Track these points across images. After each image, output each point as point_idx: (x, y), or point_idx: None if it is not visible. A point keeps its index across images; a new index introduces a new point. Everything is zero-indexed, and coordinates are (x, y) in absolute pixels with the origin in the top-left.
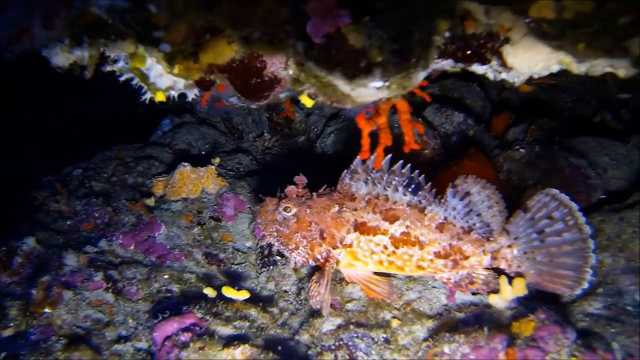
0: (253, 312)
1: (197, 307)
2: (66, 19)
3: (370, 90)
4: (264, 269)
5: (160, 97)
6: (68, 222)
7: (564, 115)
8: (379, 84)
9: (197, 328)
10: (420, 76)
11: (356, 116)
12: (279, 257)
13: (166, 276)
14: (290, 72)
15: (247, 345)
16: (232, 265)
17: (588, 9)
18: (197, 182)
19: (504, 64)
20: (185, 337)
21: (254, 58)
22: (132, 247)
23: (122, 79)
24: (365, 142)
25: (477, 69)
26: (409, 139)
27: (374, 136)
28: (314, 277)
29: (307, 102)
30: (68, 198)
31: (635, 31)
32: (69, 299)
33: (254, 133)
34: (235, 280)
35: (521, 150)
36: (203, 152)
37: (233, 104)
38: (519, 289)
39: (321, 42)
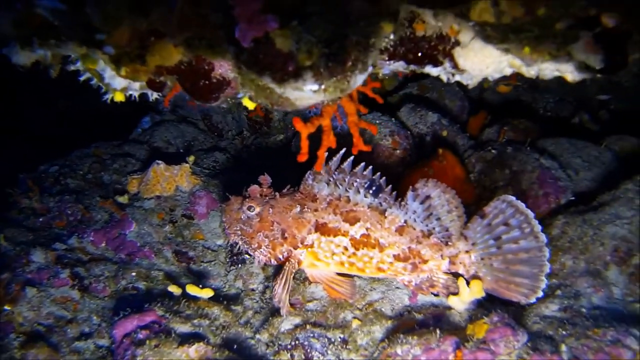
0: (216, 310)
1: (159, 304)
2: (11, 21)
3: (307, 94)
4: (232, 267)
5: (118, 97)
6: (40, 219)
7: (545, 116)
8: (314, 87)
9: (156, 326)
10: (359, 79)
11: (292, 119)
12: (247, 256)
13: (134, 273)
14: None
15: (201, 344)
16: (202, 263)
17: (520, 14)
18: (170, 180)
19: (456, 66)
20: (142, 334)
21: (201, 60)
22: (103, 244)
23: (82, 78)
24: (304, 144)
25: (431, 70)
26: (356, 140)
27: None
28: (277, 276)
29: (249, 104)
30: (41, 195)
31: (573, 37)
32: (33, 295)
33: (233, 131)
34: (204, 278)
35: (492, 151)
36: (181, 150)
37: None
38: (476, 291)
39: (249, 47)
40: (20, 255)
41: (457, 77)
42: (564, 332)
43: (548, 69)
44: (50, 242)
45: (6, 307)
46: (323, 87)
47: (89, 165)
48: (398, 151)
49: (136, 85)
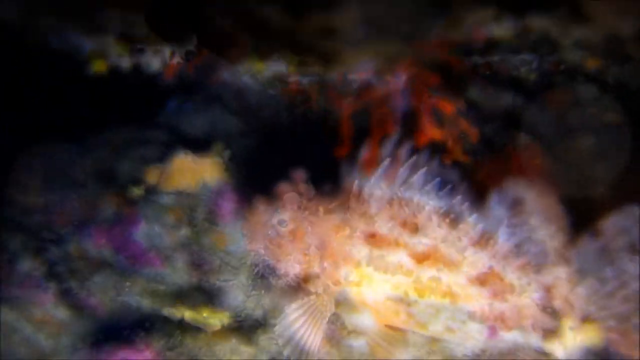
0: (218, 349)
1: (153, 335)
2: None
3: None
4: (254, 292)
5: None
6: (37, 216)
7: None
8: None
9: None
10: None
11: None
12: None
13: (128, 283)
14: None
15: None
16: (217, 281)
17: None
18: (196, 173)
19: None
20: None
21: None
22: (102, 243)
23: None
24: (345, 128)
25: None
26: (425, 122)
27: None
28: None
29: None
30: (44, 186)
31: None
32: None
33: (269, 112)
34: (216, 299)
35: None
36: (210, 138)
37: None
38: (589, 335)
39: None
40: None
41: None
42: None
43: None
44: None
45: None
46: None
47: (104, 152)
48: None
49: None
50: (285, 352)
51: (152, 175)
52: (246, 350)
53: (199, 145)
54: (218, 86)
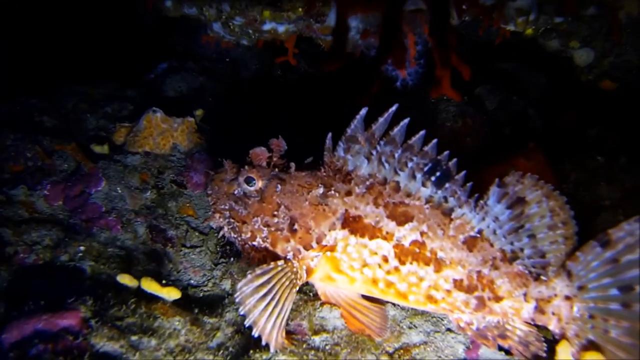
0: (177, 322)
1: (90, 301)
2: None
3: None
4: (222, 260)
5: None
6: None
7: None
8: None
9: (69, 337)
10: None
11: None
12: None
13: (82, 247)
14: None
15: None
16: (183, 248)
17: None
18: (167, 134)
19: None
20: (39, 348)
21: None
22: (58, 203)
23: None
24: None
25: None
26: (441, 75)
27: None
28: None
29: None
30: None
31: None
32: None
33: (254, 75)
34: (180, 269)
35: (598, 158)
36: (191, 103)
37: (220, 35)
38: None
39: None
40: None
41: None
42: None
43: None
44: None
45: None
46: None
47: (74, 103)
48: (469, 139)
49: None
50: (247, 322)
51: (120, 134)
52: (210, 321)
53: (174, 106)
54: (203, 48)
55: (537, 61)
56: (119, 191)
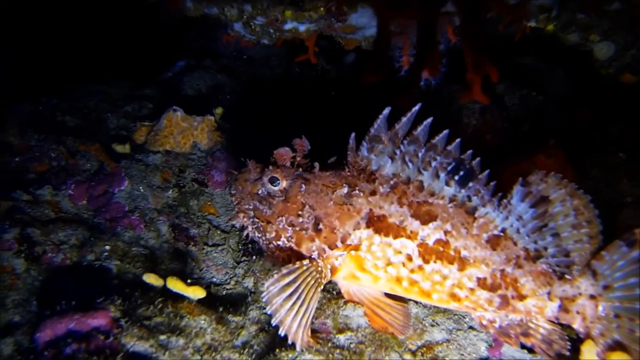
0: (202, 321)
1: (119, 301)
2: None
3: None
4: (244, 258)
5: None
6: (16, 159)
7: None
8: None
9: (101, 337)
10: None
11: None
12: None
13: (108, 247)
14: None
15: None
16: (205, 247)
17: None
18: (188, 133)
19: None
20: (73, 348)
21: None
22: (83, 202)
23: None
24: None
25: None
26: (472, 77)
27: None
28: (282, 279)
29: None
30: (24, 130)
31: None
32: None
33: (276, 75)
34: (203, 265)
35: (620, 154)
36: (210, 102)
37: (241, 34)
38: None
39: None
40: None
41: None
42: None
43: None
44: (12, 189)
45: None
46: None
47: (95, 103)
48: (489, 136)
49: None
50: (274, 321)
51: (141, 133)
52: (234, 320)
53: (194, 105)
54: (221, 45)
55: (555, 55)
56: (142, 190)
